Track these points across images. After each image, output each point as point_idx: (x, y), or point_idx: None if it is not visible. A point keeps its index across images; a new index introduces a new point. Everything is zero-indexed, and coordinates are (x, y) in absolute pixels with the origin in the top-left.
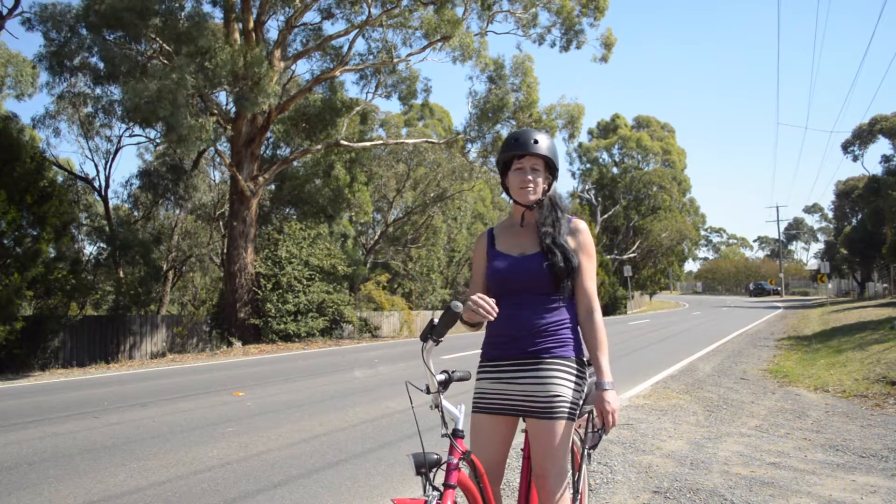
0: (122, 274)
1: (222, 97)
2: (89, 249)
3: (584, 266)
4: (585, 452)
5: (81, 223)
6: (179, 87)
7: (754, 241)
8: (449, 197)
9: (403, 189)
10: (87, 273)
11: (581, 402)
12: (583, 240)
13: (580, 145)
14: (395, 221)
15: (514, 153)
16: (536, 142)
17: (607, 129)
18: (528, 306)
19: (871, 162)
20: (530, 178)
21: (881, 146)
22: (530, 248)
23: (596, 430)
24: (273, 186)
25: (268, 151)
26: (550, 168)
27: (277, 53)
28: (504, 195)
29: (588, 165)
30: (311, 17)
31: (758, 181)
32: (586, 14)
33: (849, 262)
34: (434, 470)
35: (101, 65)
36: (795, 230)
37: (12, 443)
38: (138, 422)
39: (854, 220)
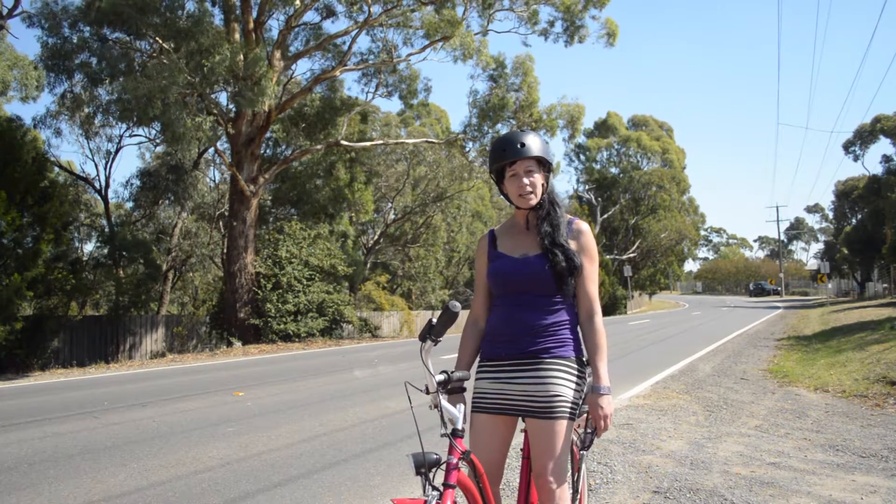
0: (121, 274)
1: (223, 98)
2: (89, 249)
3: (586, 269)
4: (579, 453)
5: (82, 223)
6: (170, 86)
7: (754, 241)
8: (448, 197)
9: (403, 189)
10: (87, 273)
11: (581, 402)
12: (585, 242)
13: (577, 146)
14: (394, 221)
15: (504, 161)
16: (523, 145)
17: (604, 128)
18: (529, 307)
19: (872, 162)
20: (526, 181)
21: (882, 146)
22: (532, 250)
23: (588, 431)
24: (273, 186)
25: (268, 151)
26: (544, 164)
27: (277, 53)
28: (502, 196)
29: (586, 165)
30: (311, 16)
31: (758, 181)
32: (588, 8)
33: (849, 262)
34: (434, 470)
35: (101, 64)
36: (796, 230)
37: (12, 443)
38: (138, 422)
39: (854, 220)
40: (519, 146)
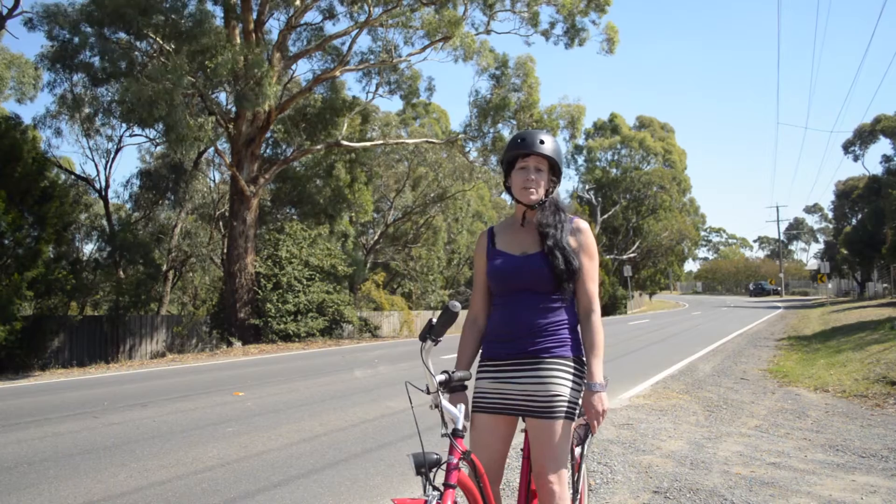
0: (122, 274)
1: (222, 97)
2: (89, 249)
3: (586, 267)
4: (580, 450)
5: (82, 223)
6: (176, 88)
7: (754, 241)
8: (449, 197)
9: (404, 189)
10: (87, 273)
11: (580, 402)
12: (584, 240)
13: (576, 146)
14: (395, 221)
15: (519, 152)
16: (542, 142)
17: (606, 129)
18: (528, 306)
19: (872, 162)
20: (533, 177)
21: (882, 146)
22: (531, 248)
23: (583, 425)
24: (273, 186)
25: (268, 151)
26: (554, 170)
27: (278, 53)
28: (504, 195)
29: (588, 165)
30: (311, 16)
31: (758, 181)
32: (588, 13)
33: (849, 262)
34: (434, 470)
35: (102, 64)
36: (795, 230)
37: (12, 443)
38: (138, 422)
39: (854, 220)
40: (539, 142)
